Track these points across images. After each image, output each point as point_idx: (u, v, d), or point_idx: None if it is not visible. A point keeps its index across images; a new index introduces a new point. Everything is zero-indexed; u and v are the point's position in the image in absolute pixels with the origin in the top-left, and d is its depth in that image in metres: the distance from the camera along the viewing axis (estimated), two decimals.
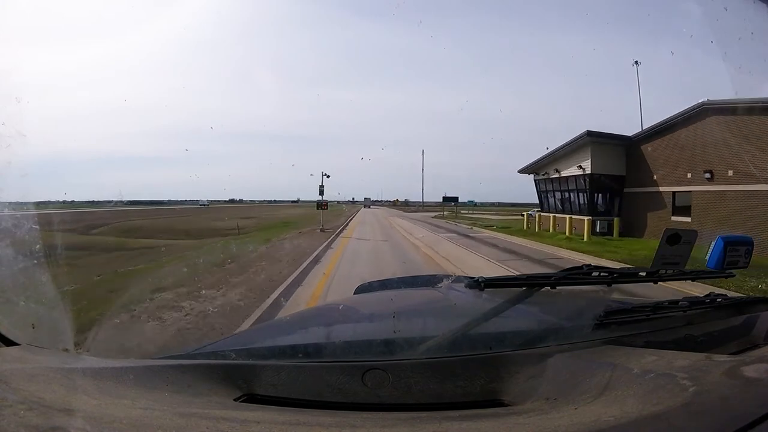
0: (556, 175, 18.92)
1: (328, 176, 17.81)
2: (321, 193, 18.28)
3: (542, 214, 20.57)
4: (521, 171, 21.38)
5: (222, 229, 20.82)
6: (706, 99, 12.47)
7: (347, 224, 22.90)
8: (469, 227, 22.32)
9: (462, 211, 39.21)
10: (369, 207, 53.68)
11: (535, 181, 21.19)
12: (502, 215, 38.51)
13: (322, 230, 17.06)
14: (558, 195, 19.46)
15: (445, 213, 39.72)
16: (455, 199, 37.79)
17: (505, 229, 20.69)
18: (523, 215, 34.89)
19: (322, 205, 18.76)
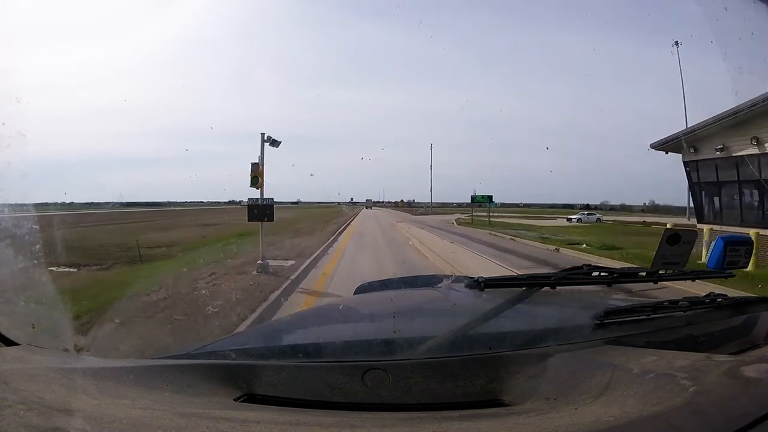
0: (753, 151, 9.07)
1: (278, 144, 8.22)
2: (255, 182, 8.05)
3: (712, 227, 9.72)
4: (657, 146, 11.62)
5: (137, 248, 11.33)
6: None
7: (333, 241, 13.22)
8: (552, 248, 12.79)
9: (478, 213, 30.00)
10: (371, 208, 52.48)
11: (686, 164, 11.07)
12: (533, 219, 31.16)
13: (261, 271, 7.33)
14: (755, 192, 9.97)
15: (463, 216, 31.89)
16: (489, 198, 27.85)
17: (621, 253, 10.75)
18: (569, 220, 28.92)
19: (261, 211, 8.08)
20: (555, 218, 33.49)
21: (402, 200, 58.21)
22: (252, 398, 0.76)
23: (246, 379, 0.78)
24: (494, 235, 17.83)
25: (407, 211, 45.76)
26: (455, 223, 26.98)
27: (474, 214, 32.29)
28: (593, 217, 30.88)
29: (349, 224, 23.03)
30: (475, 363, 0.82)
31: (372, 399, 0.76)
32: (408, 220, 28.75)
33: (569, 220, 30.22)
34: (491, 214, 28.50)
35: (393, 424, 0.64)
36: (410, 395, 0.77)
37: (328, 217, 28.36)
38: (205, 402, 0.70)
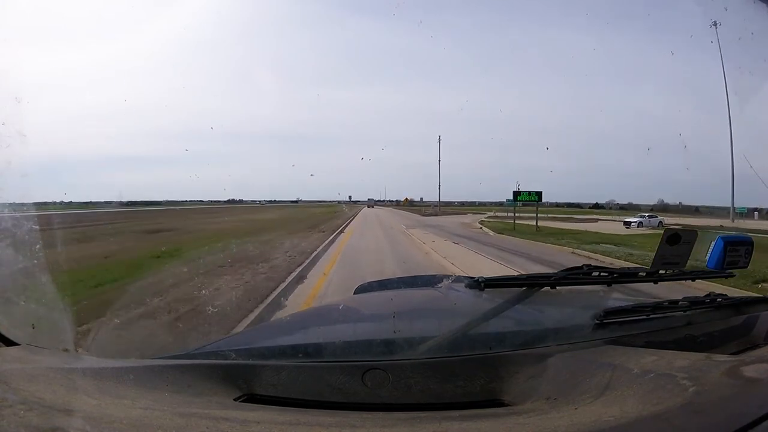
0: None
1: None
2: None
3: None
4: None
5: None
6: None
7: (298, 280, 6.54)
8: None
9: (500, 213, 24.67)
10: (372, 207, 51.81)
11: None
12: (570, 222, 24.49)
13: None
14: None
15: (483, 217, 26.08)
16: (537, 197, 18.95)
17: None
18: (628, 224, 21.83)
19: None
20: (595, 221, 25.87)
21: (407, 198, 54.14)
22: (252, 398, 0.76)
23: (246, 379, 0.78)
24: (587, 257, 9.34)
25: (412, 211, 39.16)
26: (487, 229, 18.80)
27: (496, 214, 25.98)
28: (655, 220, 23.50)
29: (342, 230, 16.37)
30: (475, 363, 0.82)
31: (372, 399, 0.76)
32: (420, 224, 21.53)
33: (628, 224, 22.96)
34: (513, 213, 21.31)
35: (393, 424, 0.64)
36: (410, 395, 0.77)
37: (319, 219, 21.80)
38: (205, 402, 0.70)
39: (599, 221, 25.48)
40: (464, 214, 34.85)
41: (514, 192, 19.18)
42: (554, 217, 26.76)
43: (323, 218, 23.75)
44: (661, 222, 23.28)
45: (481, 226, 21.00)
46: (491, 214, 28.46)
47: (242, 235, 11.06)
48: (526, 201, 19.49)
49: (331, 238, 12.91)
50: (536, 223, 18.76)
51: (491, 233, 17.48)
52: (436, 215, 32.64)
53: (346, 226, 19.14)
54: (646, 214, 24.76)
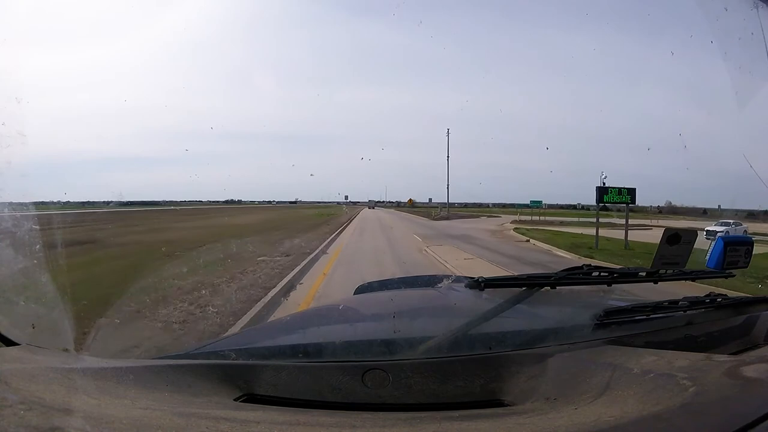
0: None
1: None
2: None
3: None
4: None
5: None
6: None
7: None
8: None
9: (525, 217, 21.49)
10: (373, 208, 51.12)
11: None
12: (608, 228, 15.79)
13: None
14: None
15: (503, 220, 22.92)
16: (631, 194, 12.35)
17: None
18: (713, 236, 10.55)
19: None
20: (649, 228, 19.37)
21: (411, 200, 47.63)
22: (252, 398, 0.76)
23: (246, 379, 0.78)
24: None
25: (415, 213, 33.82)
26: (538, 242, 13.24)
27: (521, 217, 21.41)
28: (740, 229, 18.44)
29: (326, 249, 10.16)
30: (475, 363, 0.82)
31: (372, 399, 0.76)
32: (438, 234, 16.42)
33: (712, 234, 11.98)
34: (540, 217, 16.84)
35: (393, 424, 0.64)
36: (410, 395, 0.77)
37: (306, 225, 17.51)
38: (205, 402, 0.70)
39: (653, 228, 18.70)
40: (477, 217, 30.48)
41: (598, 188, 12.24)
42: (586, 223, 19.35)
43: (312, 223, 19.22)
44: (745, 231, 17.64)
45: (527, 239, 14.73)
46: (516, 218, 23.83)
47: (173, 255, 7.53)
48: (614, 203, 12.76)
49: (302, 266, 7.40)
50: (626, 236, 12.08)
51: (564, 254, 10.59)
52: (447, 219, 27.85)
53: (338, 234, 14.29)
54: (731, 221, 19.21)
